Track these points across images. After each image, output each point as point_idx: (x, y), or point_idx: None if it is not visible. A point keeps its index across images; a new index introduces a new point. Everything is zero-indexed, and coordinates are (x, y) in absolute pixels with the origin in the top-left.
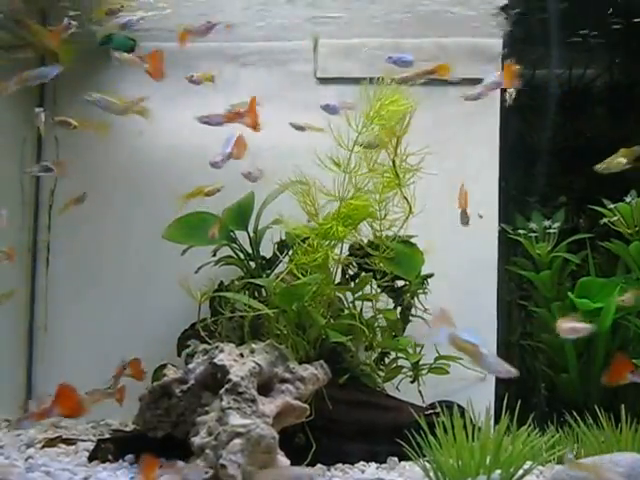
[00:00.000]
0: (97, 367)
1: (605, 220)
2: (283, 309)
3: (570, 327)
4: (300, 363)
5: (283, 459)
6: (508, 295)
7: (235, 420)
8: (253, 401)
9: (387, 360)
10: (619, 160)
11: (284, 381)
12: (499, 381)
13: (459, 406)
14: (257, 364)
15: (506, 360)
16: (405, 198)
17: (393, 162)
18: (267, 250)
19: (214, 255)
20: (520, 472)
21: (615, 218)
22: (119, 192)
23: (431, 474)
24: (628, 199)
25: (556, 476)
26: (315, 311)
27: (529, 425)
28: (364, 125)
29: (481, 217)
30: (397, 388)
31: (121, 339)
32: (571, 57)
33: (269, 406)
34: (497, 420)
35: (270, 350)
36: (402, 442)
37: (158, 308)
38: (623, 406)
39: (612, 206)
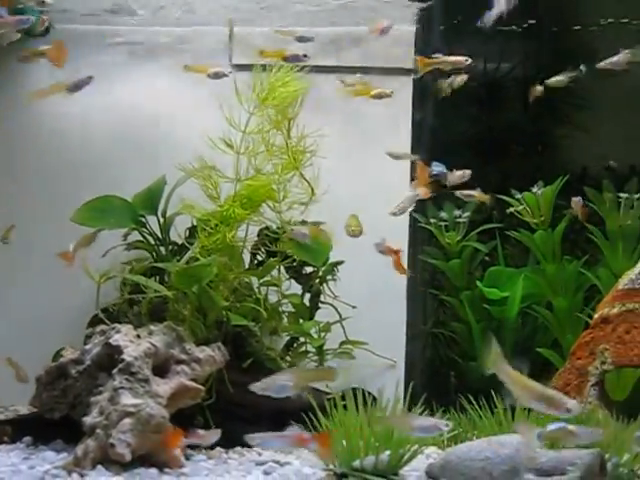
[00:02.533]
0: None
1: (511, 210)
2: (184, 291)
3: None
4: (200, 345)
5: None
6: (421, 284)
7: (126, 400)
8: (146, 381)
9: (296, 345)
10: None
11: (180, 362)
12: (409, 368)
13: (368, 393)
14: (153, 345)
15: (418, 349)
16: (306, 180)
17: (287, 144)
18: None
19: (125, 239)
20: (410, 453)
21: (521, 208)
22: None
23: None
24: (535, 189)
25: (446, 458)
26: (216, 294)
27: (424, 409)
28: (256, 106)
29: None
30: None
31: (33, 324)
32: (486, 49)
33: (163, 387)
34: (407, 406)
35: (168, 332)
36: (300, 426)
37: (72, 292)
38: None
39: (519, 196)
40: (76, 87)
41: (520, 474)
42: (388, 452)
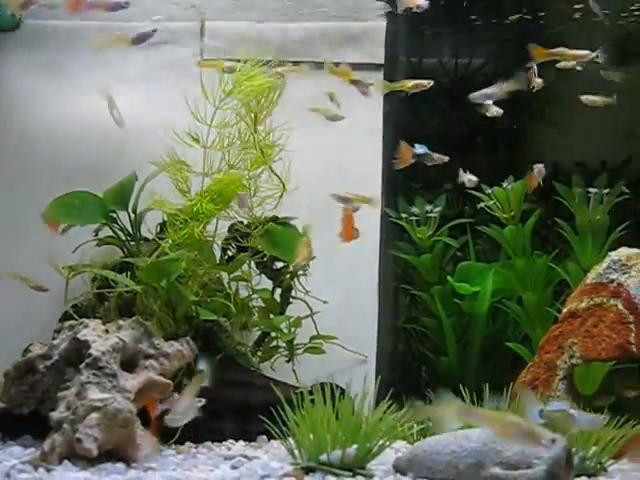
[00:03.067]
0: None
1: (482, 205)
2: (153, 286)
3: None
4: (169, 340)
5: (143, 433)
6: (393, 279)
7: (93, 394)
8: (114, 376)
9: (267, 340)
10: None
11: (148, 357)
12: (381, 364)
13: (340, 388)
14: (121, 340)
15: (390, 344)
16: (276, 175)
17: (254, 138)
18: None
19: (96, 235)
20: (377, 447)
21: (491, 203)
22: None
23: (295, 451)
24: (505, 184)
25: (413, 452)
26: (185, 289)
27: (391, 403)
28: (221, 100)
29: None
30: (272, 368)
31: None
32: (456, 45)
33: (131, 381)
34: (378, 402)
35: (136, 326)
36: (270, 420)
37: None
38: (487, 385)
39: (489, 191)
40: (139, 40)
41: (486, 467)
42: (355, 446)
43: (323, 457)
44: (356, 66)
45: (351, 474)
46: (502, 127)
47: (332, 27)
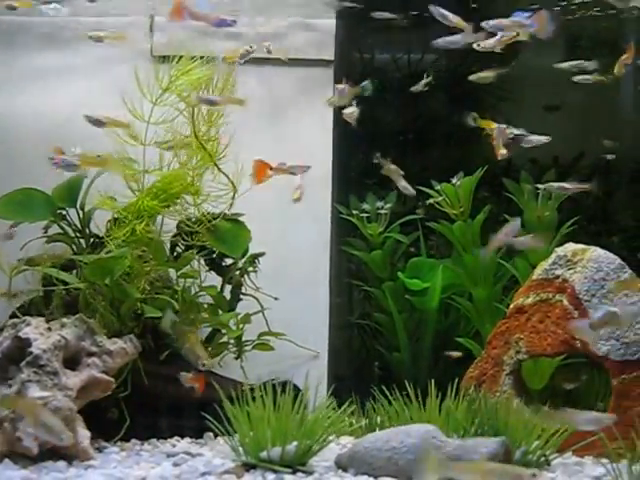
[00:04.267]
0: None
1: (431, 201)
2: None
3: None
4: (113, 338)
5: (83, 431)
6: (347, 275)
7: (34, 393)
8: (55, 374)
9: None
10: None
11: (91, 355)
12: (333, 360)
13: (292, 384)
14: (63, 337)
15: (342, 340)
16: (222, 172)
17: (195, 134)
18: None
19: (45, 232)
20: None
21: (440, 199)
22: None
23: (240, 448)
24: (454, 180)
25: (354, 448)
26: (130, 286)
27: (342, 399)
28: (159, 96)
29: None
30: (220, 365)
31: None
32: (409, 40)
33: (73, 379)
34: (331, 397)
35: (79, 324)
36: (217, 417)
37: None
38: (431, 381)
39: (438, 187)
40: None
41: None
42: (295, 443)
43: (264, 454)
44: (306, 62)
45: (291, 471)
46: (455, 123)
47: (283, 23)
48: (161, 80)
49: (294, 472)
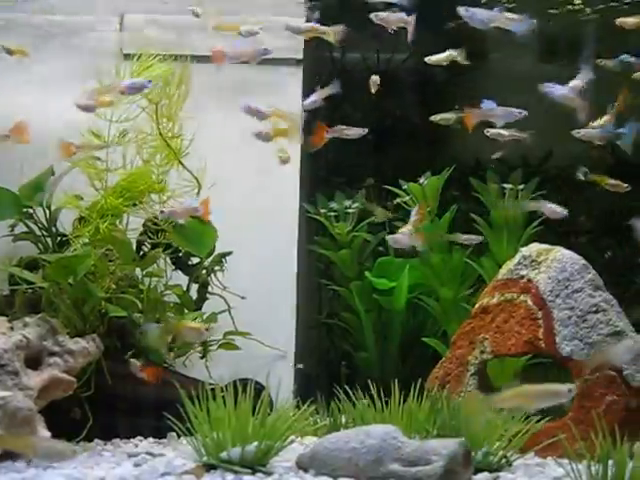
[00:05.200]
0: None
1: (398, 200)
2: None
3: None
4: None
5: (44, 431)
6: (316, 275)
7: None
8: (16, 374)
9: None
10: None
11: (53, 354)
12: (301, 359)
13: (258, 383)
14: (25, 337)
15: (310, 339)
16: (187, 170)
17: (159, 132)
18: None
19: (12, 230)
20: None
21: (407, 198)
22: None
23: (201, 449)
24: (421, 180)
25: (315, 448)
26: (94, 285)
27: (299, 398)
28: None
29: None
30: (184, 364)
31: None
32: (378, 39)
33: (34, 379)
34: (296, 397)
35: (42, 323)
36: (177, 417)
37: None
38: (395, 381)
39: (405, 186)
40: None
41: (385, 464)
42: (255, 443)
43: (224, 455)
44: (275, 61)
45: (250, 471)
46: (424, 123)
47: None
48: (122, 77)
49: (254, 472)
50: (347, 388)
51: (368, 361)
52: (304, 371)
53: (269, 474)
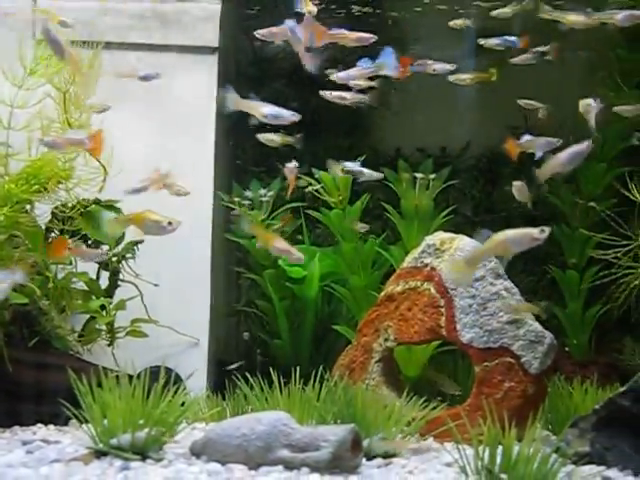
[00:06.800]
0: None
1: (310, 189)
2: None
3: None
4: None
5: None
6: (233, 263)
7: None
8: None
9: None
10: None
11: None
12: (214, 347)
13: (169, 370)
14: None
15: (225, 327)
16: (96, 159)
17: (67, 119)
18: None
19: None
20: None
21: (318, 186)
22: None
23: (95, 436)
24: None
25: (207, 435)
26: None
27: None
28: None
29: None
30: (89, 350)
31: None
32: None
33: None
34: (209, 383)
35: None
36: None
37: None
38: (298, 368)
39: (316, 175)
40: None
41: (274, 450)
42: (146, 430)
43: (114, 441)
44: (189, 49)
45: (140, 458)
46: (344, 112)
47: (164, 8)
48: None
49: (144, 459)
50: (261, 375)
51: (282, 349)
52: (218, 358)
53: (159, 460)
